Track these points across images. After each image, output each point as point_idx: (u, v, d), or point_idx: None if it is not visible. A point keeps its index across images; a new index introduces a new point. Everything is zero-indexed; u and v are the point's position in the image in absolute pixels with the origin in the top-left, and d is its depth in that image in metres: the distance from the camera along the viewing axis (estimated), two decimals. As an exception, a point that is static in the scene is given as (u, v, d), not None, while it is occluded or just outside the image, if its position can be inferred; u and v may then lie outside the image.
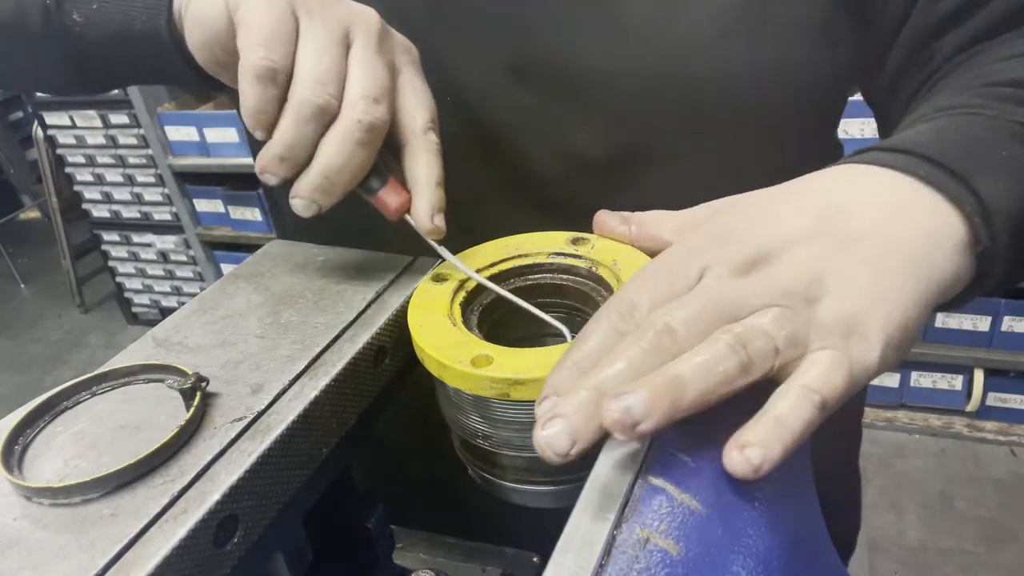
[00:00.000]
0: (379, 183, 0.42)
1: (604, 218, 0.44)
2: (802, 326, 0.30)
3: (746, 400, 0.30)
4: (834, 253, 0.32)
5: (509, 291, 0.44)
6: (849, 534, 0.75)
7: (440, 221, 0.43)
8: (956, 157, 0.35)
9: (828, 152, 0.59)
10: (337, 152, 0.40)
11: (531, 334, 0.44)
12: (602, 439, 0.30)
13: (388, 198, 0.42)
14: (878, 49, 0.51)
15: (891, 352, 0.31)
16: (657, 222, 0.42)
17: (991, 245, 0.34)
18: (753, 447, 0.28)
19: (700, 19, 0.47)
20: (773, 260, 0.32)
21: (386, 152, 0.43)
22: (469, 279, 0.44)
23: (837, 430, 0.65)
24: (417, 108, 0.43)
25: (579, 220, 0.46)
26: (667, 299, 0.32)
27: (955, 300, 0.36)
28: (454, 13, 0.50)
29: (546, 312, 0.42)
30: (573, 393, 0.29)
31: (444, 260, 0.45)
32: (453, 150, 0.45)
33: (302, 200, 0.41)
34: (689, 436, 0.30)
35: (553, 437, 0.28)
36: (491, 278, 0.44)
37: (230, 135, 2.41)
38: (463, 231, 0.46)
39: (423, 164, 0.43)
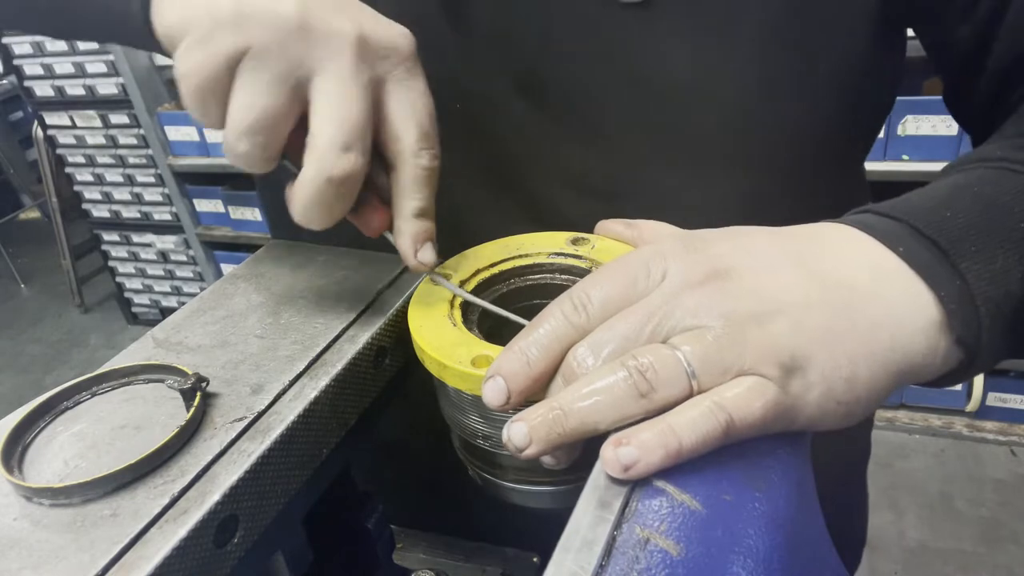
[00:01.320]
0: (359, 204, 0.40)
1: (608, 223, 0.45)
2: (734, 351, 0.29)
3: None
4: (797, 288, 0.32)
5: (509, 291, 0.44)
6: (851, 548, 0.73)
7: (425, 255, 0.41)
8: (953, 229, 0.33)
9: (845, 189, 0.57)
10: (309, 208, 0.37)
11: None
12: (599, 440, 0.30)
13: (367, 217, 0.41)
14: (958, 81, 0.48)
15: (831, 404, 0.30)
16: (656, 232, 0.42)
17: (974, 333, 0.32)
18: (628, 447, 0.28)
19: (708, 48, 0.45)
20: (734, 277, 0.32)
21: (376, 166, 0.41)
22: (468, 280, 0.44)
23: (839, 448, 0.64)
24: (405, 125, 0.39)
25: None
26: (622, 297, 0.32)
27: (945, 380, 0.34)
28: (468, 22, 0.49)
29: None
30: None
31: (443, 261, 0.45)
32: (457, 155, 0.45)
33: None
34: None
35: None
36: (491, 278, 0.44)
37: (230, 135, 2.40)
38: (459, 235, 0.46)
39: (407, 194, 0.40)
